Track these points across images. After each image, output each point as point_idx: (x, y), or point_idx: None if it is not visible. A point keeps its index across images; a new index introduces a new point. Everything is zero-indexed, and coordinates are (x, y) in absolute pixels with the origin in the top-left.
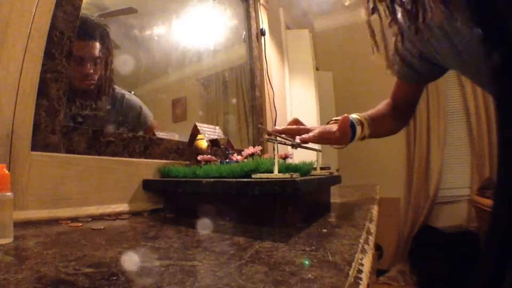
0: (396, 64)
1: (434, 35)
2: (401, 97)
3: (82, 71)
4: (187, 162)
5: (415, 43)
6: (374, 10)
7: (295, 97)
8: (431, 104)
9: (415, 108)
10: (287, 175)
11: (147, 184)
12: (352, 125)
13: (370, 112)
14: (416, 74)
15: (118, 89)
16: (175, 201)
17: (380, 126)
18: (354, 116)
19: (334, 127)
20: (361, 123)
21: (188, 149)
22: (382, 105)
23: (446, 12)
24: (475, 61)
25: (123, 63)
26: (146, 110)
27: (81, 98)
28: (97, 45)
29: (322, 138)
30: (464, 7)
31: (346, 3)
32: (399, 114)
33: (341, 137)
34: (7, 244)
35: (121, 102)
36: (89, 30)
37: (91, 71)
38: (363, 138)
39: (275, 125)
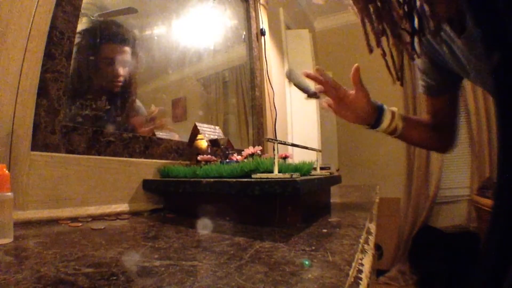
0: (420, 80)
1: (435, 42)
2: (435, 113)
3: (112, 72)
4: (187, 162)
5: (426, 52)
6: (383, 32)
7: (295, 97)
8: None
9: (455, 122)
10: (287, 175)
11: (147, 184)
12: (380, 108)
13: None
14: (436, 84)
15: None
16: (175, 201)
17: (416, 129)
18: (386, 106)
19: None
20: (392, 113)
21: (188, 149)
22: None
23: (441, 22)
24: (470, 64)
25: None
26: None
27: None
28: (128, 49)
29: (339, 101)
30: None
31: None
32: (441, 129)
33: (356, 94)
34: (7, 244)
35: (135, 107)
36: (122, 35)
37: (120, 73)
38: (393, 132)
39: (275, 125)
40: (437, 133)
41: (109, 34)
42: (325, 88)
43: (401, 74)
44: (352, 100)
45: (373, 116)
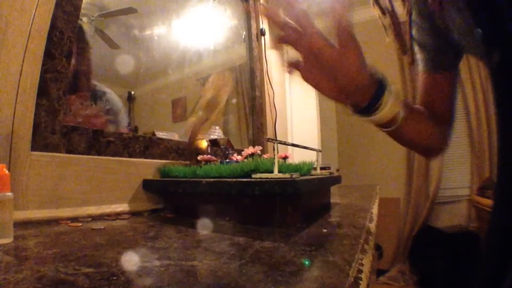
0: (417, 54)
1: (450, 5)
2: (431, 96)
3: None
4: (187, 162)
5: (429, 16)
6: None
7: (295, 97)
8: None
9: (452, 110)
10: (287, 175)
11: (147, 184)
12: (380, 83)
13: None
14: (436, 56)
15: (99, 86)
16: (175, 201)
17: (416, 121)
18: (389, 82)
19: None
20: (397, 94)
21: (188, 149)
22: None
23: None
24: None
25: (123, 63)
26: (124, 115)
27: None
28: None
29: (313, 57)
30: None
31: None
32: (437, 121)
33: (342, 49)
34: (7, 244)
35: (102, 100)
36: None
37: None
38: (389, 124)
39: (275, 125)
40: (437, 128)
41: None
42: (286, 34)
43: (409, 46)
44: (334, 58)
45: (367, 94)
